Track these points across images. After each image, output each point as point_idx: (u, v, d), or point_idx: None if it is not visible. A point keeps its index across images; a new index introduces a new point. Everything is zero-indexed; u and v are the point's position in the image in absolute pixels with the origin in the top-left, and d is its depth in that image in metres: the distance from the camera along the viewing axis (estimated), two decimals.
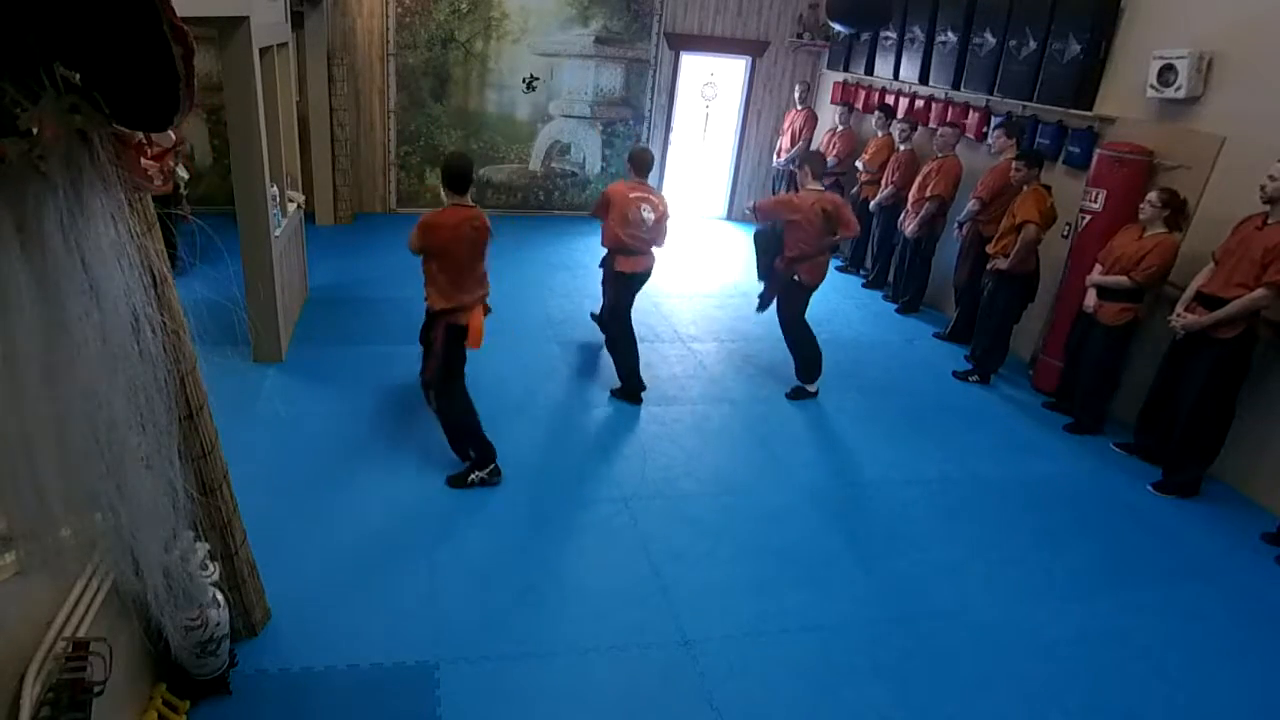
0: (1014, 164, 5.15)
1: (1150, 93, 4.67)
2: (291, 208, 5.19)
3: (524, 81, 8.00)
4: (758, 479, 4.03)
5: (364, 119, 7.67)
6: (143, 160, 1.22)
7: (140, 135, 1.19)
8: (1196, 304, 4.03)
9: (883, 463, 4.29)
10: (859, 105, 7.77)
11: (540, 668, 2.74)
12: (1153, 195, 4.30)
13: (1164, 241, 4.28)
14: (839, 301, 6.78)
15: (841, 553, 3.50)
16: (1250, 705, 2.88)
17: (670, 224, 4.65)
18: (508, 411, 4.36)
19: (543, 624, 2.94)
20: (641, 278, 4.65)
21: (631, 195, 4.42)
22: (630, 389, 4.69)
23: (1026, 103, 5.64)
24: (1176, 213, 4.31)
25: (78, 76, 0.99)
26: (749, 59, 8.47)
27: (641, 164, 4.50)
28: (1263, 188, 3.76)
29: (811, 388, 4.92)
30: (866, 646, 2.98)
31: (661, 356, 5.36)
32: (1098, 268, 4.57)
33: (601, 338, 5.03)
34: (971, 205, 5.68)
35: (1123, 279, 4.37)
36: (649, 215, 4.45)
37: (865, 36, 7.44)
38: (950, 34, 6.30)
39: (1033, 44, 5.48)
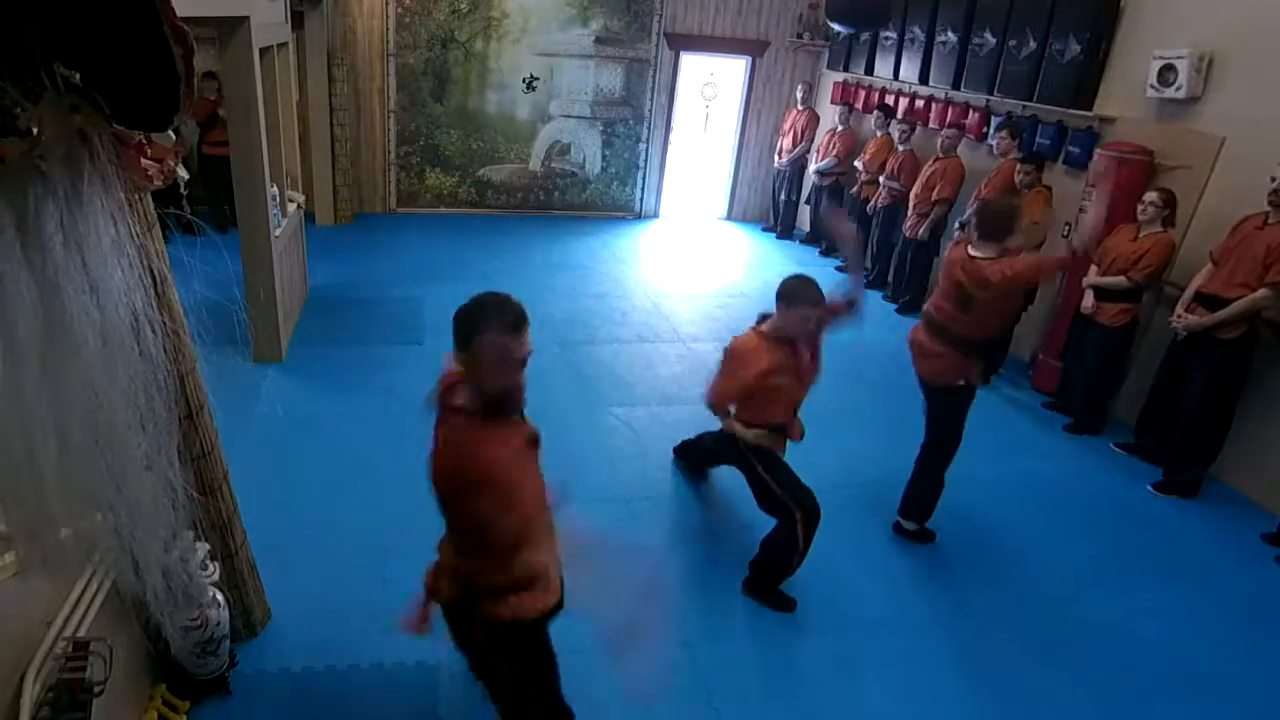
0: (1019, 166, 5.15)
1: (1150, 93, 4.67)
2: (291, 208, 5.19)
3: (524, 81, 8.00)
4: None
5: (364, 119, 7.67)
6: (143, 160, 1.22)
7: (140, 135, 1.19)
8: (1196, 304, 4.03)
9: (882, 463, 4.28)
10: (859, 105, 7.77)
11: None
12: (1153, 196, 4.29)
13: (1161, 240, 4.28)
14: None
15: (841, 552, 3.49)
16: (1250, 705, 2.88)
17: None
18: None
19: None
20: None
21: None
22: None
23: (1026, 103, 5.64)
24: (1173, 211, 4.32)
25: (78, 76, 0.99)
26: (749, 59, 8.47)
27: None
28: (1275, 191, 3.74)
29: (910, 525, 3.61)
30: (866, 646, 2.98)
31: (662, 356, 5.36)
32: (1093, 268, 4.57)
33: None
34: (977, 207, 5.68)
35: (1120, 279, 4.37)
36: None
37: (865, 36, 7.44)
38: (950, 34, 6.30)
39: (1033, 44, 5.47)
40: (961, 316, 3.17)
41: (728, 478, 4.02)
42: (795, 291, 2.86)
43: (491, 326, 1.75)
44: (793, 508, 2.98)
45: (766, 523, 3.15)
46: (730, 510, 3.77)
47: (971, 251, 3.16)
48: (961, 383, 3.28)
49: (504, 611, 1.89)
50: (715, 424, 3.27)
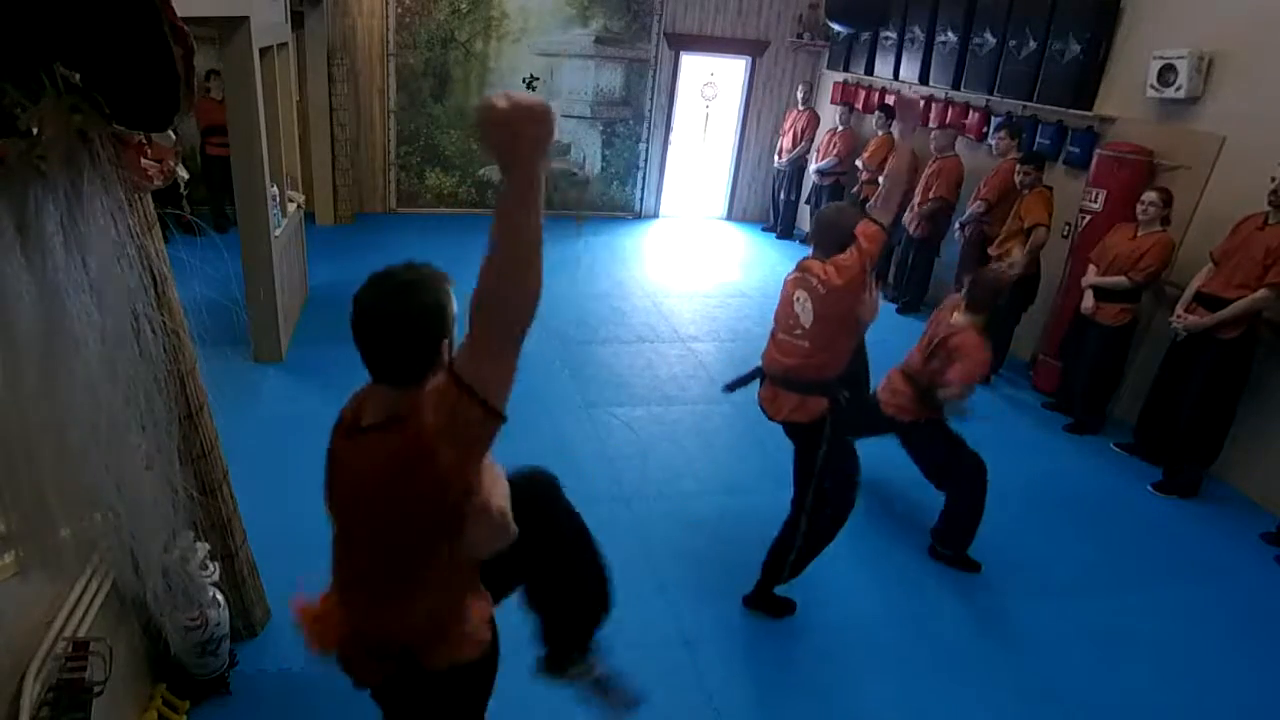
0: (1019, 167, 5.14)
1: (1150, 93, 4.67)
2: (291, 208, 5.18)
3: (524, 81, 7.99)
4: (758, 479, 4.02)
5: (364, 119, 7.67)
6: (143, 160, 1.22)
7: (140, 135, 1.19)
8: (1196, 304, 4.03)
9: (882, 463, 4.28)
10: (859, 105, 7.77)
11: None
12: (1153, 195, 4.29)
13: (1161, 240, 4.28)
14: None
15: (841, 552, 3.48)
16: (1250, 705, 2.88)
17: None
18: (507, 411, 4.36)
19: None
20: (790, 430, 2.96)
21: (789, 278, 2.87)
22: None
23: (1026, 103, 5.64)
24: (1170, 210, 4.32)
25: (78, 76, 0.99)
26: (749, 59, 8.47)
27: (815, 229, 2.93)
28: (1275, 191, 3.74)
29: (947, 551, 3.53)
30: (866, 645, 2.97)
31: (661, 356, 5.36)
32: (1092, 268, 4.57)
33: None
34: (976, 207, 5.67)
35: (1121, 279, 4.37)
36: (802, 308, 2.77)
37: (865, 36, 7.45)
38: (950, 34, 6.30)
39: (1033, 44, 5.47)
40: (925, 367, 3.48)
41: (734, 470, 4.02)
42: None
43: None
44: (830, 503, 2.99)
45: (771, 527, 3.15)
46: (732, 509, 3.76)
47: (955, 316, 3.47)
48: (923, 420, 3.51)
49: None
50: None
